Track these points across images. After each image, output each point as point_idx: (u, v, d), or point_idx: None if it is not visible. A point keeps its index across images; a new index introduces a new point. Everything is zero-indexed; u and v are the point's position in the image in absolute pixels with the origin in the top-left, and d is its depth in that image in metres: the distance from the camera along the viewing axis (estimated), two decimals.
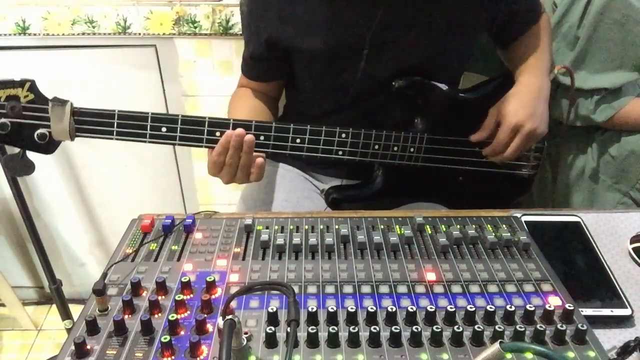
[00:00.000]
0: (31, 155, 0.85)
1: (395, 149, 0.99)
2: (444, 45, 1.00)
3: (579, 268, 0.81)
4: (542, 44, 1.08)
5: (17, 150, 0.84)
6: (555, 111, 1.22)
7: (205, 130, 0.89)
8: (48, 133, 0.84)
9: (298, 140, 0.93)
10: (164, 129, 0.88)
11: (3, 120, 0.81)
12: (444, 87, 1.02)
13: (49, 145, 0.85)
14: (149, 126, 0.87)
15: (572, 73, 1.14)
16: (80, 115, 0.85)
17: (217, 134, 0.89)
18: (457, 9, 0.97)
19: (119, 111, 0.86)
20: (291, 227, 0.83)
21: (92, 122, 0.86)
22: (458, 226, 0.83)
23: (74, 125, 0.85)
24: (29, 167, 0.86)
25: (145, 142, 0.88)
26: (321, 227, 0.83)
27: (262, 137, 0.91)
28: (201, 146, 0.90)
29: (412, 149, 1.00)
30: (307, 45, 0.97)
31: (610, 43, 1.13)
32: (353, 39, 0.96)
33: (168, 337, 0.59)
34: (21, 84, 0.81)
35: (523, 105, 0.98)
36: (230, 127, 0.89)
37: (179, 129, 0.88)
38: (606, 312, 0.72)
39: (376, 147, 0.97)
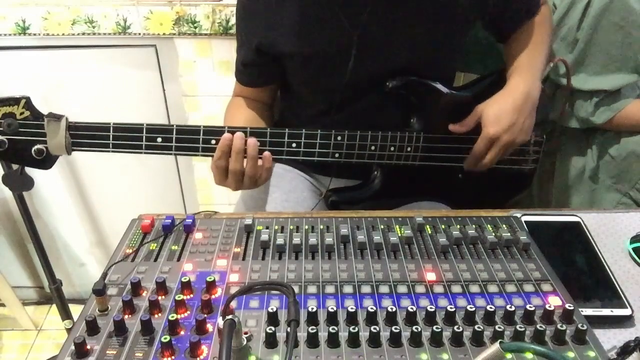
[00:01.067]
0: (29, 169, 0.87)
1: (392, 149, 0.99)
2: (432, 43, 1.00)
3: (579, 268, 0.81)
4: (539, 39, 1.06)
5: (15, 166, 0.86)
6: (554, 112, 1.22)
7: (201, 139, 0.89)
8: (45, 149, 0.85)
9: (294, 145, 0.93)
10: (159, 140, 0.89)
11: (0, 137, 0.82)
12: (438, 85, 1.02)
13: (46, 161, 0.86)
14: (144, 137, 0.88)
15: (567, 65, 1.14)
16: (75, 129, 0.86)
17: (213, 142, 0.89)
18: (443, 6, 0.96)
19: (114, 124, 0.87)
20: (291, 227, 0.83)
21: (88, 136, 0.87)
22: (458, 226, 0.83)
23: (70, 139, 0.86)
24: (28, 183, 0.87)
25: (141, 153, 0.89)
26: (321, 227, 0.83)
27: (257, 144, 0.91)
28: (197, 155, 0.90)
29: (409, 149, 1.00)
30: (296, 49, 0.98)
31: (610, 45, 1.13)
32: (340, 40, 0.95)
33: (168, 337, 0.59)
34: (17, 101, 0.82)
35: (504, 115, 0.97)
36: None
37: (174, 138, 0.89)
38: (606, 312, 0.72)
39: (372, 148, 0.97)
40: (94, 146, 0.87)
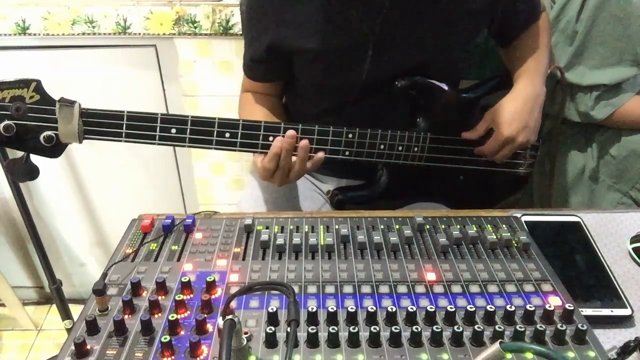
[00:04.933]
0: (34, 158, 0.83)
1: (400, 148, 0.99)
2: (444, 47, 1.00)
3: (579, 268, 0.80)
4: (542, 44, 1.08)
5: (20, 154, 0.81)
6: (553, 106, 1.22)
7: (215, 132, 0.88)
8: (55, 135, 0.80)
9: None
10: (173, 130, 0.86)
11: (7, 122, 0.77)
12: (445, 86, 1.02)
13: (55, 149, 0.82)
14: (158, 127, 0.86)
15: (563, 72, 1.15)
16: (89, 116, 0.82)
17: (227, 135, 0.88)
18: (456, 11, 0.97)
19: (128, 112, 0.84)
20: (291, 227, 0.83)
21: (101, 124, 0.83)
22: (458, 226, 0.83)
23: (83, 127, 0.82)
24: (33, 172, 0.82)
25: (154, 144, 0.86)
26: (321, 227, 0.83)
27: (270, 138, 0.90)
28: (211, 147, 0.89)
29: (416, 149, 1.00)
30: (309, 47, 0.97)
31: (609, 38, 1.12)
32: (357, 40, 0.95)
33: (168, 337, 0.59)
34: (26, 84, 0.78)
35: (517, 116, 0.99)
36: (240, 128, 0.89)
37: (188, 130, 0.87)
38: (606, 312, 0.72)
39: (382, 147, 0.97)
40: (106, 134, 0.84)
